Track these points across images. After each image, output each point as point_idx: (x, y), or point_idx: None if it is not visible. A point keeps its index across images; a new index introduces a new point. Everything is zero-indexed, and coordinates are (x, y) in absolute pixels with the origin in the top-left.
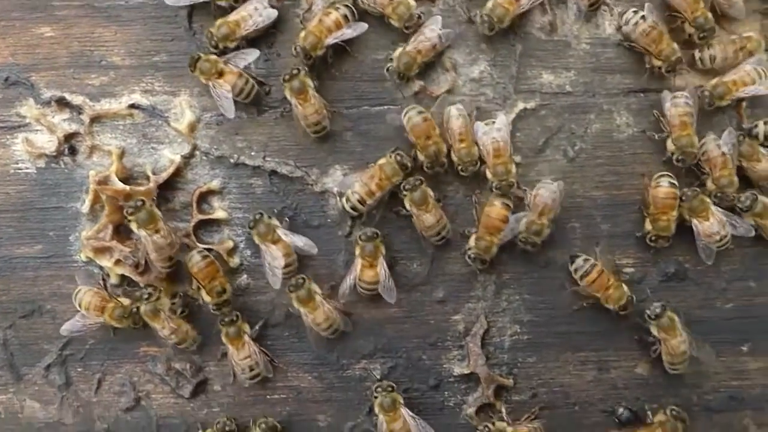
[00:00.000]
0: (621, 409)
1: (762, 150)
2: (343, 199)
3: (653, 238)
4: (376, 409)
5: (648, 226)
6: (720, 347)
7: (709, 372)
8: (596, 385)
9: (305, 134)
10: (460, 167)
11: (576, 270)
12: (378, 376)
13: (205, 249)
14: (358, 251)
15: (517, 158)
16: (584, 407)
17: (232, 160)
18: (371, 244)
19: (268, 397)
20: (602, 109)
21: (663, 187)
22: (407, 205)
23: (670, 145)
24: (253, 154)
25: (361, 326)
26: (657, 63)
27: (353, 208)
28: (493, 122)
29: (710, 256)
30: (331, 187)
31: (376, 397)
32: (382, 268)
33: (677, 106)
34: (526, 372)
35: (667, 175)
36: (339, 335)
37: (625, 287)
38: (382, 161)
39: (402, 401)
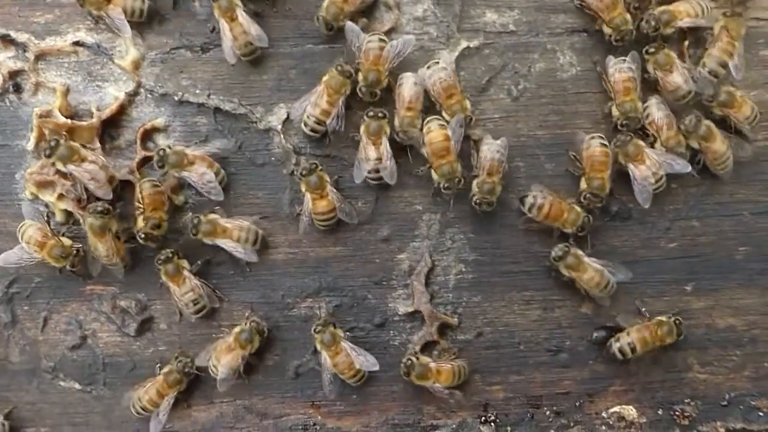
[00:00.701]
0: (594, 334)
1: (678, 62)
2: (302, 125)
3: (587, 196)
4: (318, 346)
5: (583, 184)
6: (664, 287)
7: (653, 311)
8: (541, 324)
9: (246, 67)
10: (399, 133)
11: (530, 209)
12: (322, 315)
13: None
14: (303, 187)
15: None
16: (529, 346)
17: (176, 98)
18: (314, 176)
19: (213, 335)
20: (546, 49)
21: (595, 147)
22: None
23: (614, 111)
24: (197, 92)
25: (306, 265)
26: (607, 31)
27: (313, 131)
28: (437, 62)
29: (647, 200)
30: (276, 125)
31: (317, 334)
32: (332, 195)
33: (621, 71)
34: (471, 311)
35: (599, 136)
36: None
37: (578, 208)
38: (325, 78)
39: (343, 335)
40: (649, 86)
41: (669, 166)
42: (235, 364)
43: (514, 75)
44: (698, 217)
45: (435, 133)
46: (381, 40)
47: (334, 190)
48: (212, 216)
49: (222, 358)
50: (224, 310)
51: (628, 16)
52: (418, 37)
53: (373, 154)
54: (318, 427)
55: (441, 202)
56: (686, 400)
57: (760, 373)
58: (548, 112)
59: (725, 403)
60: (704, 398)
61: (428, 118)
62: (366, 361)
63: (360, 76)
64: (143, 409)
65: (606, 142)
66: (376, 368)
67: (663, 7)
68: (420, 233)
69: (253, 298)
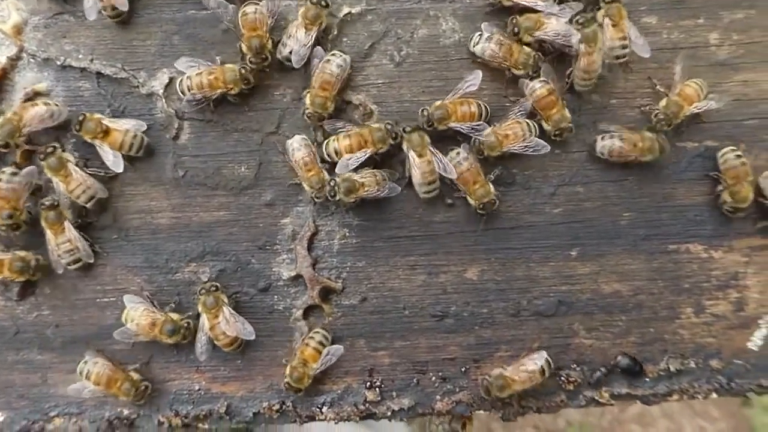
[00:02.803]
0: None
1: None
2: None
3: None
4: (199, 308)
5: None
6: (549, 252)
7: (538, 277)
8: (426, 289)
9: (129, 33)
10: (306, 111)
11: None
12: (206, 279)
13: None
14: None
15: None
16: (414, 311)
17: (59, 63)
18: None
19: (98, 300)
20: (428, 15)
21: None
22: None
23: (546, 126)
24: (80, 56)
25: (189, 229)
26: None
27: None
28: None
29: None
30: (158, 90)
31: (200, 296)
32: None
33: (538, 89)
34: (355, 276)
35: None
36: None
37: (491, 186)
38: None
39: (226, 301)
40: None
41: None
42: None
43: (396, 41)
44: (583, 182)
45: (300, 152)
46: (254, 5)
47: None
48: (66, 155)
49: None
50: (108, 274)
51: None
52: (300, 3)
53: (302, 38)
54: (202, 393)
55: (324, 168)
56: (572, 366)
57: (645, 338)
58: (431, 77)
59: (611, 368)
60: (590, 363)
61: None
62: (243, 329)
63: (243, 46)
64: None
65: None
66: (252, 338)
67: None
68: (304, 198)
69: (136, 263)
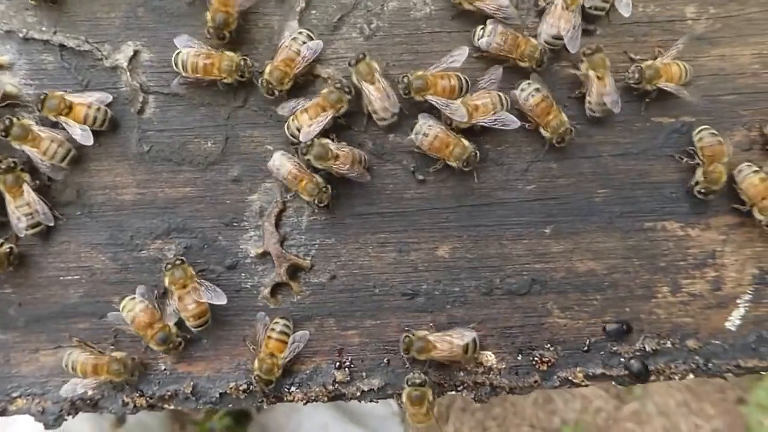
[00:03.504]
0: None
1: None
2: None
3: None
4: (167, 282)
5: None
6: (521, 229)
7: (511, 255)
8: (396, 267)
9: (94, 5)
10: (263, 81)
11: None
12: (171, 257)
13: None
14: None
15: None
16: (385, 290)
17: (21, 35)
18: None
19: (61, 278)
20: None
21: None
22: None
23: (546, 134)
24: (43, 29)
25: (154, 206)
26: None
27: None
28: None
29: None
30: (122, 63)
31: (167, 271)
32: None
33: (532, 96)
34: (324, 253)
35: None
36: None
37: (564, 116)
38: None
39: (194, 273)
40: None
41: None
42: None
43: (366, 13)
44: (556, 158)
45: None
46: None
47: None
48: (26, 121)
49: None
50: (71, 252)
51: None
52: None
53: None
54: (168, 373)
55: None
56: (546, 346)
57: (620, 317)
58: (402, 51)
59: (586, 348)
60: (564, 343)
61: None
62: (214, 294)
63: (208, 17)
64: None
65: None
66: (224, 301)
67: None
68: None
69: (101, 240)
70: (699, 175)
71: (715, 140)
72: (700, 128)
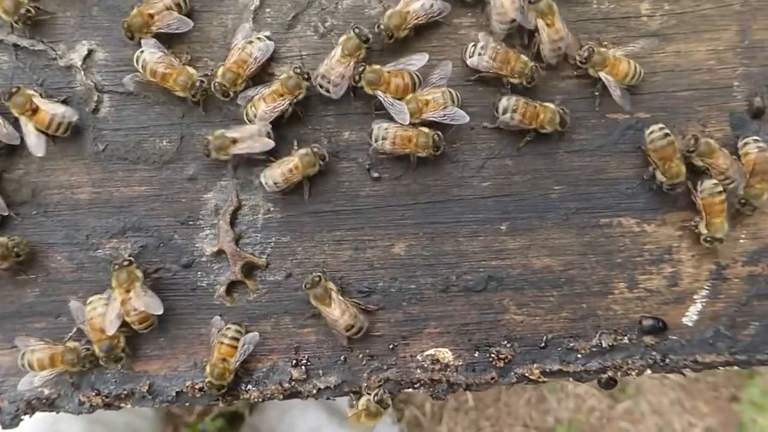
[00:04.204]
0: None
1: None
2: None
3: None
4: (113, 283)
5: None
6: (477, 226)
7: (467, 252)
8: (352, 264)
9: (49, 4)
10: (216, 84)
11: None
12: (127, 255)
13: None
14: None
15: (267, 33)
16: (340, 288)
17: None
18: None
19: (17, 277)
20: None
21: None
22: None
23: (514, 80)
24: None
25: (110, 205)
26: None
27: None
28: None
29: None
30: (77, 62)
31: (114, 272)
32: None
33: (488, 49)
34: (280, 251)
35: None
36: None
37: (425, 129)
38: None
39: (140, 276)
40: None
41: None
42: None
43: (321, 11)
44: (512, 155)
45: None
46: None
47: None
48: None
49: None
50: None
51: (525, 58)
52: None
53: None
54: (124, 371)
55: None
56: (503, 342)
57: (577, 314)
58: None
59: (543, 345)
60: (521, 340)
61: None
62: (152, 303)
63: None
64: None
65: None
66: (159, 312)
67: None
68: (227, 172)
69: (56, 239)
70: (659, 176)
71: (665, 141)
72: (651, 128)
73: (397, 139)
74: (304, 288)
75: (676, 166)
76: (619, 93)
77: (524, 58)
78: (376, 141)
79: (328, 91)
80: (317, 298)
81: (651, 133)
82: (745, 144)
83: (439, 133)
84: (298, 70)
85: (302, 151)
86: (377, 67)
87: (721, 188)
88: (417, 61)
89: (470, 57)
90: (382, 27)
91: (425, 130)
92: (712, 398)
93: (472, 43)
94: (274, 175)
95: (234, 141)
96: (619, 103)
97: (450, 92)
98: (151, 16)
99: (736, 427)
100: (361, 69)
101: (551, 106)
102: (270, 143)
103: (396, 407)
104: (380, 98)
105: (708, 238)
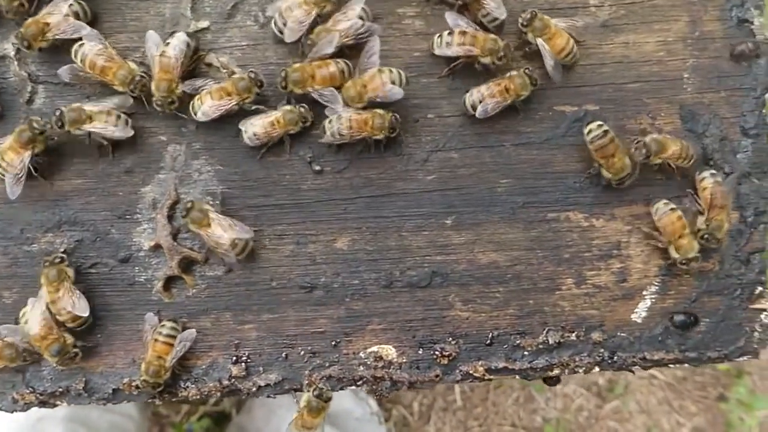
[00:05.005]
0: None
1: None
2: None
3: None
4: (42, 280)
5: None
6: (422, 220)
7: (411, 247)
8: (294, 259)
9: None
10: (157, 101)
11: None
12: (63, 250)
13: None
14: None
15: (206, 23)
16: (282, 283)
17: None
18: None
19: None
20: None
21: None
22: None
23: (486, 59)
24: None
25: (45, 198)
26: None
27: None
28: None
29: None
30: (10, 53)
31: (44, 269)
32: None
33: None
34: None
35: None
36: None
37: (379, 110)
38: None
39: (70, 275)
40: None
41: None
42: None
43: (261, 1)
44: (457, 148)
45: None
46: None
47: None
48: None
49: None
50: None
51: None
52: None
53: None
54: (60, 369)
55: (187, 133)
56: (448, 339)
57: (524, 310)
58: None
59: (489, 342)
60: (467, 337)
61: None
62: (78, 305)
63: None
64: None
65: None
66: (84, 314)
67: None
68: (165, 165)
69: None
70: (605, 173)
71: (606, 139)
72: (590, 126)
73: (353, 123)
74: (182, 218)
75: (619, 160)
76: (552, 63)
77: (493, 35)
78: (331, 134)
79: (281, 32)
80: (196, 222)
81: (590, 132)
82: (703, 179)
83: (396, 114)
84: (253, 75)
85: (287, 107)
86: (299, 64)
87: (672, 205)
88: (372, 46)
89: (438, 47)
90: (309, 43)
91: (380, 111)
92: (699, 397)
93: (438, 35)
94: (255, 126)
95: (90, 118)
96: (550, 74)
97: (390, 70)
98: (47, 24)
99: (723, 426)
100: (284, 73)
101: (492, 35)
102: (129, 131)
103: (383, 407)
104: (314, 96)
105: (683, 262)
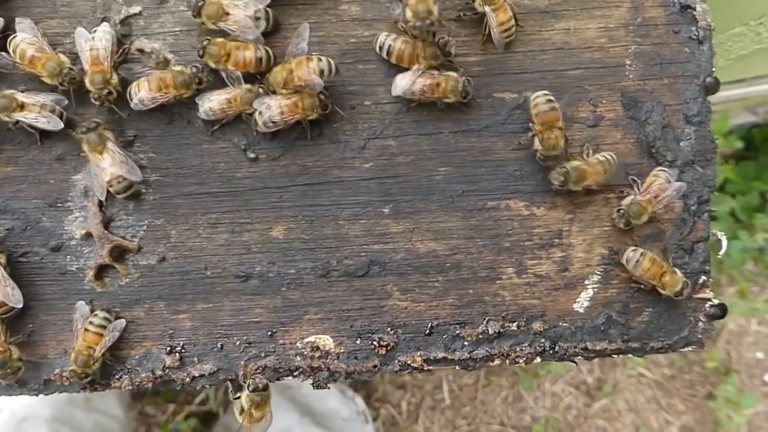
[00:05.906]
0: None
1: None
2: None
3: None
4: None
5: None
6: (360, 209)
7: (348, 235)
8: (228, 248)
9: None
10: (93, 95)
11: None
12: None
13: None
14: None
15: (138, 8)
16: (217, 272)
17: None
18: None
19: None
20: None
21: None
22: None
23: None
24: None
25: None
26: None
27: None
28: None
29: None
30: None
31: None
32: None
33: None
34: (153, 234)
35: None
36: None
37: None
38: None
39: (2, 262)
40: None
41: None
42: None
43: None
44: (395, 135)
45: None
46: None
47: None
48: None
49: None
50: None
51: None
52: None
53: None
54: None
55: (116, 121)
56: (386, 329)
57: (464, 300)
58: None
59: (428, 332)
60: (405, 327)
61: None
62: (11, 295)
63: None
64: None
65: None
66: (18, 306)
67: None
68: None
69: None
70: (537, 143)
71: (548, 106)
72: (536, 93)
73: (284, 107)
74: (78, 134)
75: (555, 137)
76: (497, 32)
77: (453, 75)
78: (264, 123)
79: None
80: (90, 145)
81: (536, 97)
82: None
83: (325, 91)
84: (195, 70)
85: (247, 86)
86: (220, 39)
87: (641, 250)
88: (302, 32)
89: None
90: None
91: (308, 91)
92: (688, 396)
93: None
94: (212, 102)
95: (22, 106)
96: (495, 43)
97: (319, 59)
98: None
99: (712, 424)
100: (205, 42)
101: (454, 75)
102: (59, 124)
103: (372, 406)
104: (222, 73)
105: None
